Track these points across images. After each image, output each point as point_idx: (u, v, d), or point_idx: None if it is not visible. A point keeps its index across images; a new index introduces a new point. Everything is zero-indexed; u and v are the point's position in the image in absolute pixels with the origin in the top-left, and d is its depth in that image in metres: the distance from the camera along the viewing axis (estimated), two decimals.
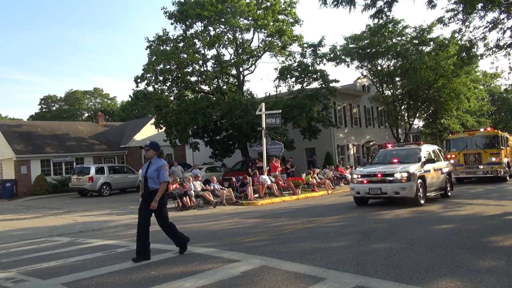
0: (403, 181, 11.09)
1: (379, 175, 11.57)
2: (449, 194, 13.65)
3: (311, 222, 9.40)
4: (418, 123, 39.92)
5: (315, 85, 24.72)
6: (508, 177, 19.72)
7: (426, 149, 13.27)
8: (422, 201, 11.55)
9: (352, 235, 7.35)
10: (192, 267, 5.48)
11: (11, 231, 10.87)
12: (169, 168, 20.12)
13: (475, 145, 19.48)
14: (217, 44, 24.43)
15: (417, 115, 35.04)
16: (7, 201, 23.24)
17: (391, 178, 11.32)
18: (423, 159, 12.22)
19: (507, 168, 19.71)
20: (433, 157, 13.09)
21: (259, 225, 9.65)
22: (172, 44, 24.46)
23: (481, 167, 19.02)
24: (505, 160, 19.67)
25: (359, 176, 12.10)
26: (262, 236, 7.86)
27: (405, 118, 32.06)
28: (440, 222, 8.58)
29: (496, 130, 21.02)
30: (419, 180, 11.44)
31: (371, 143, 32.98)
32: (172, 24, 24.66)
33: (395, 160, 12.58)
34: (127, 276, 5.19)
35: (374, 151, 32.42)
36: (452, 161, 19.66)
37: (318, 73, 24.31)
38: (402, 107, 32.32)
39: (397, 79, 31.89)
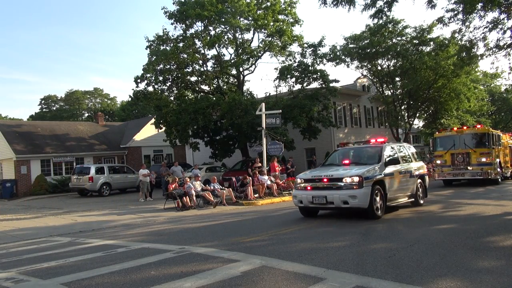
0: (354, 187, 8.91)
1: (325, 180, 9.37)
2: (422, 202, 11.48)
3: (311, 222, 9.40)
4: (418, 123, 39.96)
5: (315, 85, 24.73)
6: (500, 179, 18.03)
7: (391, 148, 10.99)
8: (379, 213, 9.26)
9: (352, 235, 7.35)
10: (192, 267, 5.48)
11: (11, 231, 10.87)
12: (170, 168, 20.26)
13: (463, 144, 17.71)
14: (217, 44, 24.44)
15: (417, 115, 35.04)
16: (7, 201, 23.24)
17: (339, 184, 9.16)
18: (384, 160, 10.00)
19: (498, 169, 17.89)
20: (399, 157, 10.90)
21: (259, 225, 9.65)
22: (172, 44, 24.47)
23: (470, 168, 17.33)
24: (497, 160, 17.92)
25: (302, 181, 9.89)
26: (262, 236, 7.85)
27: (405, 118, 32.05)
28: (440, 222, 8.58)
29: (486, 128, 19.33)
30: (377, 186, 9.29)
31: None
32: (172, 24, 24.69)
33: (351, 161, 10.52)
34: (127, 276, 5.18)
35: None
36: (438, 161, 18.38)
37: (318, 73, 24.30)
38: (402, 107, 32.32)
39: (397, 79, 31.88)
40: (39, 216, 14.33)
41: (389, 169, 10.00)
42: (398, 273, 4.75)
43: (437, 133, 20.19)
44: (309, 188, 9.67)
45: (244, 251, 6.26)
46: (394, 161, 10.28)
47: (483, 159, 17.19)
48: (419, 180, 11.50)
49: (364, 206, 9.00)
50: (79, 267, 5.88)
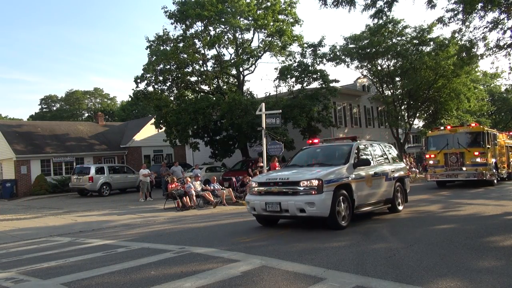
0: (313, 192, 7.64)
1: (280, 184, 8.16)
2: (400, 208, 10.25)
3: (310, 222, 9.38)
4: (418, 123, 39.94)
5: (315, 85, 24.75)
6: (495, 181, 17.20)
7: (363, 147, 9.78)
8: (344, 223, 7.97)
9: (352, 235, 7.35)
10: (192, 267, 5.48)
11: (11, 231, 10.87)
12: (170, 168, 20.27)
13: (457, 144, 16.87)
14: (217, 44, 24.46)
15: (417, 115, 35.03)
16: (7, 201, 23.25)
17: (295, 188, 7.87)
18: (352, 160, 8.76)
19: (494, 170, 17.05)
20: (374, 157, 9.75)
21: (259, 225, 9.65)
22: (172, 44, 24.49)
23: (464, 168, 16.53)
24: (492, 160, 17.10)
25: (257, 184, 8.63)
26: (262, 236, 7.86)
27: (405, 118, 32.05)
28: (440, 222, 8.58)
29: (481, 126, 18.35)
30: (341, 191, 8.03)
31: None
32: (172, 24, 24.72)
33: (316, 162, 9.30)
34: (127, 276, 5.18)
35: None
36: (431, 162, 17.64)
37: (318, 73, 24.32)
38: (402, 107, 32.32)
39: (397, 79, 31.88)
40: (39, 216, 14.33)
41: (359, 171, 8.74)
42: (398, 273, 4.75)
43: (429, 132, 19.46)
44: (263, 193, 8.41)
45: (244, 251, 6.26)
46: (365, 161, 9.01)
47: (478, 160, 16.39)
48: (397, 184, 10.21)
49: (324, 215, 7.68)
50: (79, 267, 5.88)
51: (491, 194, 14.18)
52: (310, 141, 11.09)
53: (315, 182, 7.71)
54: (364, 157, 9.32)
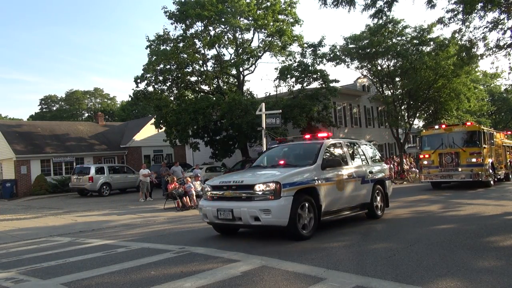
0: (269, 197, 6.71)
1: (234, 188, 7.20)
2: (380, 213, 9.33)
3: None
4: (418, 123, 39.96)
5: (315, 85, 24.76)
6: (492, 182, 16.59)
7: (334, 145, 8.79)
8: (307, 232, 7.01)
9: (352, 235, 7.35)
10: (192, 267, 5.48)
11: (11, 231, 10.87)
12: (170, 168, 20.27)
13: (452, 143, 16.31)
14: (217, 44, 24.48)
15: (417, 115, 35.02)
16: (7, 201, 23.26)
17: (250, 193, 6.92)
18: (320, 161, 7.79)
19: (490, 171, 16.49)
20: (348, 156, 8.79)
21: None
22: (172, 44, 24.51)
23: (459, 169, 15.96)
24: (489, 161, 16.55)
25: (210, 188, 7.70)
26: (262, 236, 7.85)
27: (405, 118, 32.05)
28: (440, 222, 8.58)
29: (477, 125, 17.71)
30: (305, 196, 7.08)
31: (371, 143, 32.95)
32: (172, 24, 24.77)
33: (281, 162, 8.28)
34: (127, 276, 5.18)
35: None
36: (425, 162, 17.08)
37: (318, 73, 24.33)
38: (402, 107, 32.31)
39: (397, 79, 31.86)
40: (39, 216, 14.34)
41: (328, 172, 7.79)
42: (398, 273, 4.75)
43: (424, 131, 18.83)
44: (216, 198, 7.50)
45: (244, 251, 6.26)
46: (335, 162, 8.07)
47: (473, 160, 15.79)
48: (377, 186, 9.32)
49: (282, 224, 6.72)
50: (79, 267, 5.88)
51: (491, 194, 14.18)
52: (280, 140, 10.03)
53: (272, 186, 6.74)
54: (335, 157, 8.41)
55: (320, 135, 9.21)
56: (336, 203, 7.98)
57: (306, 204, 7.09)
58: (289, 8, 25.48)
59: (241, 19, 24.37)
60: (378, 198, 9.39)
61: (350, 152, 9.08)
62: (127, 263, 5.89)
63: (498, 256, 5.39)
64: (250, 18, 24.31)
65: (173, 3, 24.57)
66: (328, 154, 8.28)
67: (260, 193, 6.82)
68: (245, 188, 7.05)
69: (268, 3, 24.88)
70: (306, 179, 7.28)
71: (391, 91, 31.84)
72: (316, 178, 7.45)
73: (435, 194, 14.73)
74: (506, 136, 21.54)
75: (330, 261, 5.42)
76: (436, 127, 17.93)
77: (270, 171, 7.72)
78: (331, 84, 24.26)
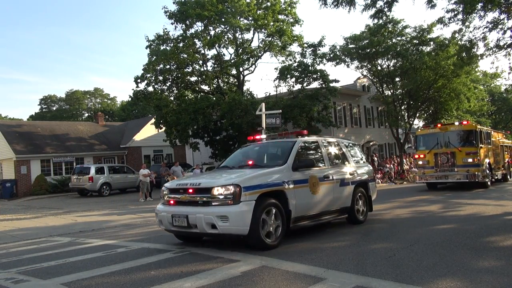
0: (229, 202, 6.04)
1: (191, 191, 6.49)
2: (362, 218, 8.64)
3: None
4: (418, 123, 39.99)
5: (315, 85, 24.77)
6: (488, 182, 16.12)
7: (308, 144, 8.05)
8: (271, 241, 6.32)
9: (352, 235, 7.35)
10: (192, 267, 5.48)
11: (11, 231, 10.87)
12: (170, 168, 20.27)
13: (448, 143, 15.88)
14: (217, 44, 24.49)
15: (417, 115, 35.07)
16: (7, 201, 23.27)
17: (208, 197, 6.26)
18: (291, 161, 7.09)
19: (487, 171, 16.04)
20: (325, 156, 8.03)
21: None
22: (172, 44, 24.54)
23: (455, 169, 15.57)
24: (486, 161, 16.13)
25: (167, 191, 7.02)
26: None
27: (405, 118, 32.08)
28: (440, 222, 8.58)
29: (474, 124, 17.29)
30: (270, 200, 6.38)
31: (371, 143, 33.02)
32: (172, 24, 24.80)
33: (250, 163, 7.51)
34: (127, 276, 5.18)
35: (374, 151, 32.47)
36: (420, 162, 16.71)
37: (318, 73, 24.34)
38: (402, 107, 32.34)
39: (397, 79, 31.91)
40: (39, 216, 14.34)
41: (301, 174, 7.07)
42: (398, 273, 4.75)
43: (419, 130, 18.61)
44: (172, 202, 6.80)
45: (244, 251, 6.26)
46: (308, 162, 7.35)
47: (470, 160, 15.36)
48: (358, 189, 8.65)
49: (242, 232, 6.03)
50: (79, 267, 5.88)
51: (491, 194, 14.18)
52: (253, 139, 9.03)
53: (231, 189, 6.03)
54: (310, 157, 7.73)
55: (293, 132, 8.59)
56: (310, 208, 7.26)
57: (273, 210, 6.37)
58: (289, 8, 25.50)
59: (241, 19, 24.38)
60: (360, 201, 8.70)
61: (328, 151, 8.32)
62: (127, 263, 5.89)
63: (498, 256, 5.39)
64: (250, 18, 24.32)
65: (173, 3, 24.61)
66: (301, 153, 7.55)
67: (219, 197, 6.12)
68: (202, 192, 6.35)
69: (268, 3, 24.89)
70: (273, 182, 6.58)
71: (391, 91, 31.86)
72: (285, 180, 6.73)
73: (435, 194, 14.72)
74: (504, 136, 21.29)
75: (330, 261, 5.41)
76: (432, 126, 17.61)
77: (233, 173, 6.95)
78: (331, 84, 24.26)
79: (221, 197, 6.12)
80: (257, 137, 9.03)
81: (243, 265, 5.39)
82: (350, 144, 9.63)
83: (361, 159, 9.61)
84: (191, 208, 6.37)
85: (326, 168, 7.85)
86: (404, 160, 29.47)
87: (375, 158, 28.64)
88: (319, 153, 8.03)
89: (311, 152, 8.01)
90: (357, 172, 8.76)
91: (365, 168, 9.34)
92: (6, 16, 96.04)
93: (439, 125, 17.30)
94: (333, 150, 8.60)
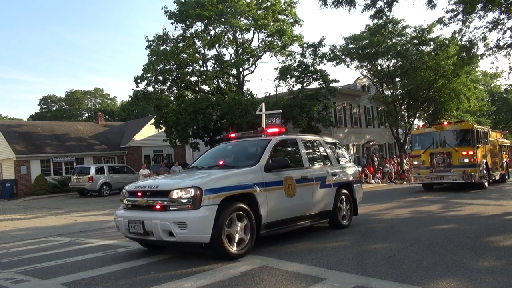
0: (188, 206, 5.45)
1: (149, 194, 5.94)
2: (345, 222, 8.09)
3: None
4: (418, 123, 40.02)
5: (315, 85, 24.77)
6: (486, 183, 15.72)
7: (285, 143, 7.54)
8: (237, 250, 5.70)
9: (352, 235, 7.35)
10: (192, 267, 5.47)
11: (11, 231, 10.87)
12: (170, 168, 20.28)
13: (443, 142, 15.50)
14: (217, 44, 24.49)
15: (417, 115, 35.08)
16: (7, 201, 23.27)
17: (166, 201, 5.64)
18: (264, 161, 6.52)
19: (484, 172, 15.55)
20: (303, 156, 7.45)
21: None
22: (172, 44, 24.55)
23: (452, 170, 15.17)
24: (483, 161, 15.72)
25: (127, 194, 6.38)
26: (261, 236, 7.84)
27: (405, 118, 32.09)
28: (440, 222, 8.58)
29: (470, 123, 16.96)
30: (238, 205, 5.79)
31: (371, 143, 33.04)
32: (172, 24, 24.79)
33: (221, 163, 7.00)
34: (127, 276, 5.18)
35: (374, 151, 32.48)
36: (415, 162, 16.28)
37: (318, 73, 24.34)
38: (402, 107, 32.36)
39: (397, 79, 31.93)
40: (39, 216, 14.34)
41: (274, 175, 6.51)
42: (398, 273, 4.75)
43: (414, 129, 17.98)
44: (130, 206, 6.23)
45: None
46: (283, 162, 6.70)
47: (466, 160, 14.96)
48: (342, 191, 8.06)
49: (203, 240, 5.46)
50: (79, 267, 5.87)
51: (491, 194, 14.18)
52: (229, 137, 8.46)
53: (192, 192, 5.46)
54: (285, 156, 7.13)
55: (270, 130, 7.67)
56: (285, 213, 6.68)
57: (239, 215, 5.80)
58: (289, 8, 25.50)
59: (241, 19, 24.38)
60: (344, 204, 8.13)
61: (308, 151, 7.76)
62: (127, 263, 5.89)
63: (498, 256, 5.39)
64: (250, 18, 24.32)
65: (174, 2, 24.62)
66: (277, 153, 6.96)
67: (178, 201, 5.53)
68: (160, 195, 5.75)
69: (268, 3, 24.90)
70: (241, 184, 6.00)
71: (391, 91, 31.88)
72: (255, 182, 6.16)
73: (435, 194, 14.71)
74: (502, 135, 20.98)
75: (330, 261, 5.41)
76: (428, 125, 17.28)
77: (198, 174, 6.36)
78: (331, 84, 24.26)
79: (181, 201, 5.51)
80: (232, 135, 8.36)
81: (243, 265, 5.39)
82: (334, 143, 9.00)
83: (346, 159, 9.05)
84: (148, 213, 5.78)
85: (305, 169, 7.31)
86: (404, 160, 29.47)
87: (375, 158, 28.64)
88: (298, 153, 7.49)
89: (288, 151, 7.53)
90: (340, 172, 8.23)
91: (350, 169, 8.76)
92: (5, 16, 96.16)
93: (445, 123, 16.67)
94: (314, 149, 8.10)
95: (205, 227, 5.39)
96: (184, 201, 5.50)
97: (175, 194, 5.56)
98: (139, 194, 6.05)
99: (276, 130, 7.62)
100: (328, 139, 8.96)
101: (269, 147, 6.85)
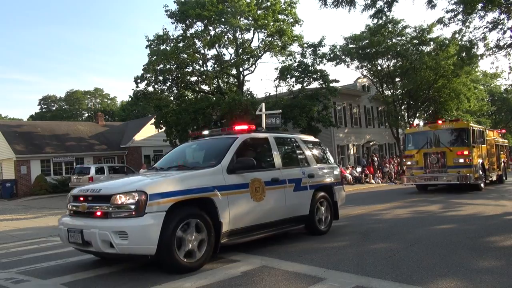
0: (132, 213, 4.81)
1: (90, 199, 5.30)
2: (324, 228, 7.44)
3: None
4: (418, 123, 40.03)
5: (315, 85, 24.77)
6: (482, 185, 15.09)
7: (254, 141, 6.82)
8: (192, 261, 5.10)
9: (352, 235, 7.35)
10: None
11: (11, 231, 10.87)
12: None
13: (438, 142, 14.91)
14: (217, 44, 24.49)
15: (417, 115, 35.10)
16: (7, 201, 23.27)
17: (107, 207, 5.00)
18: (226, 162, 5.88)
19: (480, 172, 14.97)
20: (274, 156, 6.77)
21: None
22: (172, 44, 24.53)
23: (447, 171, 14.60)
24: (479, 161, 15.10)
25: (71, 199, 5.72)
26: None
27: (405, 118, 32.10)
28: (440, 222, 8.58)
29: (466, 122, 16.42)
30: (192, 210, 5.24)
31: (371, 143, 33.04)
32: (172, 23, 24.82)
33: (180, 163, 6.54)
34: (127, 276, 5.18)
35: (374, 151, 32.49)
36: (409, 163, 15.83)
37: (318, 73, 24.34)
38: (402, 107, 32.38)
39: (397, 79, 31.95)
40: (39, 216, 14.34)
41: (239, 177, 5.89)
42: (398, 273, 4.75)
43: (408, 128, 17.53)
44: (72, 213, 5.61)
45: (244, 251, 6.25)
46: (248, 163, 6.00)
47: (461, 160, 14.35)
48: (320, 194, 7.37)
49: (148, 252, 4.83)
50: (79, 267, 5.88)
51: (491, 194, 14.18)
52: (197, 135, 7.88)
53: (135, 196, 4.83)
54: (252, 156, 6.30)
55: (238, 128, 6.87)
56: (252, 219, 6.06)
57: (194, 222, 5.15)
58: (289, 8, 25.48)
59: (241, 19, 24.38)
60: (322, 209, 7.45)
61: (281, 151, 7.08)
62: (127, 263, 5.89)
63: (498, 256, 5.39)
64: (250, 18, 24.31)
65: (174, 2, 24.64)
66: (243, 153, 6.28)
67: (121, 206, 4.89)
68: (102, 200, 5.11)
69: (268, 3, 24.89)
70: (197, 187, 5.33)
71: (391, 91, 31.90)
72: (215, 185, 5.52)
73: (435, 194, 14.70)
74: (499, 135, 20.53)
75: (330, 261, 5.42)
76: (421, 125, 16.89)
77: (150, 176, 5.78)
78: (331, 84, 24.26)
79: (124, 207, 4.88)
80: (204, 132, 7.62)
81: (243, 265, 5.39)
82: (313, 142, 8.29)
83: (326, 159, 8.34)
84: (88, 221, 5.12)
85: (277, 170, 6.63)
86: (404, 160, 29.48)
87: (375, 158, 28.64)
88: (269, 153, 6.80)
89: (258, 151, 6.86)
90: (319, 174, 7.53)
91: (330, 170, 8.04)
92: (5, 16, 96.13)
93: (439, 122, 16.03)
94: (289, 148, 7.46)
95: (149, 237, 4.72)
96: (128, 207, 4.85)
97: (118, 199, 4.92)
98: (81, 199, 5.40)
99: (245, 127, 6.80)
100: (307, 138, 8.23)
101: (234, 146, 6.17)
